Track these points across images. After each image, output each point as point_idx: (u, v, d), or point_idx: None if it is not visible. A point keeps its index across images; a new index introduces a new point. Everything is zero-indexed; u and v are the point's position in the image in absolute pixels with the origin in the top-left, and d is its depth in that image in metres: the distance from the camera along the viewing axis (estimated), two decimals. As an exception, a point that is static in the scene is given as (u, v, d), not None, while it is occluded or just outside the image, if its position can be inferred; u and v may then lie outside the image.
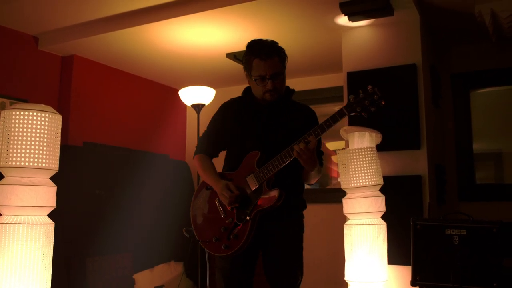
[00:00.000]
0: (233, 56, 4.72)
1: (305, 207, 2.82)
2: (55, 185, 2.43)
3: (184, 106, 6.13)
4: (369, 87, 2.49)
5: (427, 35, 4.17)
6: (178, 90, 6.00)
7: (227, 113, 2.82)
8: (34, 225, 2.27)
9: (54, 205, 2.41)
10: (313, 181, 2.81)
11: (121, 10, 4.03)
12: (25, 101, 4.33)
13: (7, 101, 4.21)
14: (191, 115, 6.09)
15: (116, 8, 3.99)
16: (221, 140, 2.82)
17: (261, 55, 2.60)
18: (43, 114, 2.41)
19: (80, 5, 3.91)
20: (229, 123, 2.78)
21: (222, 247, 2.60)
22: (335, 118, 2.50)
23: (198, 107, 4.60)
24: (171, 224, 5.05)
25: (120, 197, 4.57)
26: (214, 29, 4.20)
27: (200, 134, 4.79)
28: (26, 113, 2.38)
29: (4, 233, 2.23)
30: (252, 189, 2.60)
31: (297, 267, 2.71)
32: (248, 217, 2.56)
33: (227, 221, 2.63)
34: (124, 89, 5.32)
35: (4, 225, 2.24)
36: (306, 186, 2.88)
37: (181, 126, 6.12)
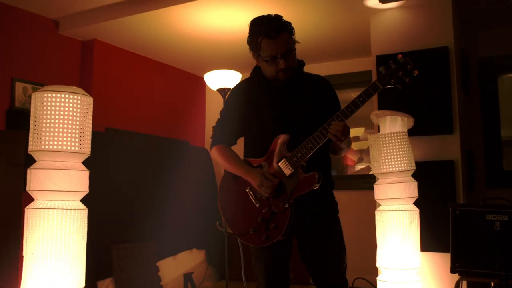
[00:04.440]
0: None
1: (334, 185, 2.68)
2: (87, 170, 2.36)
3: (204, 91, 6.06)
4: (400, 56, 2.34)
5: (456, 18, 4.05)
6: (198, 76, 5.95)
7: (240, 98, 2.64)
8: (68, 210, 2.22)
9: (87, 190, 2.35)
10: (343, 154, 2.69)
11: (142, -7, 3.96)
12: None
13: (28, 86, 4.15)
14: (212, 100, 6.01)
15: (138, -10, 3.92)
16: (238, 126, 2.63)
17: (269, 34, 2.39)
18: (75, 96, 2.35)
19: (102, -12, 3.84)
20: (244, 108, 2.60)
21: (262, 238, 2.46)
22: (368, 93, 2.35)
23: (224, 92, 4.51)
24: (192, 211, 5.00)
25: (142, 184, 4.51)
26: (238, 11, 4.11)
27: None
28: (58, 95, 2.32)
29: (38, 218, 2.17)
30: (287, 175, 2.47)
31: (341, 249, 2.55)
32: (286, 205, 2.45)
33: (263, 211, 2.48)
34: (145, 74, 5.25)
35: (38, 210, 2.18)
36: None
37: (201, 112, 6.04)
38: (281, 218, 2.44)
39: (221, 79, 4.54)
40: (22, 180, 1.56)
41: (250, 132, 2.64)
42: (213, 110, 5.98)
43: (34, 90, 4.14)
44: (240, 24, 4.35)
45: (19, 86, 4.08)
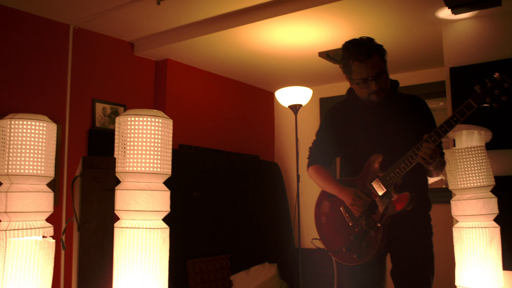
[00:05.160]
0: (325, 54, 4.64)
1: (430, 207, 2.66)
2: (168, 190, 2.45)
3: (273, 106, 6.12)
4: (496, 74, 2.30)
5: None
6: (267, 91, 6.02)
7: (335, 119, 2.71)
8: (152, 230, 2.30)
9: (169, 209, 2.44)
10: (434, 177, 2.67)
11: (213, 14, 4.07)
12: (123, 106, 4.46)
13: (107, 106, 4.35)
14: (281, 115, 6.07)
15: (208, 12, 4.03)
16: (333, 147, 2.71)
17: (359, 57, 2.46)
18: (156, 119, 2.44)
19: (173, 11, 3.97)
20: (340, 129, 2.67)
21: (354, 256, 2.50)
22: (462, 112, 2.34)
23: (295, 108, 4.56)
24: (264, 225, 5.05)
25: (215, 199, 4.61)
26: (306, 28, 4.15)
27: (299, 136, 4.80)
28: (140, 118, 2.42)
29: (124, 237, 2.27)
30: (380, 194, 2.48)
31: (429, 271, 2.55)
32: (378, 224, 2.46)
33: (356, 229, 2.52)
34: (216, 91, 5.38)
35: (123, 229, 2.28)
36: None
37: (270, 126, 6.11)
38: (373, 237, 2.46)
39: (293, 95, 4.59)
40: (114, 203, 1.66)
41: (345, 152, 2.71)
42: (283, 124, 6.03)
43: (113, 110, 4.35)
44: (308, 40, 4.38)
45: (99, 107, 4.28)
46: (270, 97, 6.09)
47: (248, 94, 5.81)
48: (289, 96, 4.60)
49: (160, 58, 4.90)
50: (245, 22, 4.06)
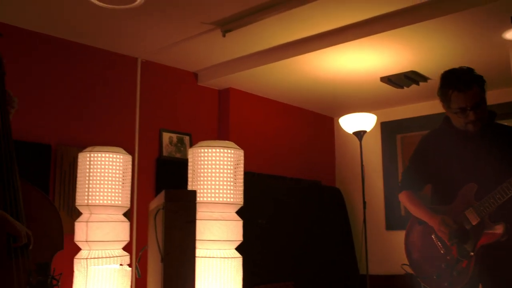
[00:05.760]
0: (387, 79, 4.63)
1: None
2: (241, 219, 2.50)
3: (333, 131, 6.13)
4: None
5: None
6: (328, 116, 6.05)
7: (429, 146, 2.72)
8: (226, 259, 2.35)
9: (241, 238, 2.49)
10: None
11: (276, 43, 4.14)
12: (188, 135, 4.59)
13: (174, 135, 4.48)
14: (342, 139, 6.06)
15: (272, 41, 4.11)
16: (426, 174, 2.71)
17: (459, 87, 2.46)
18: (228, 150, 2.51)
19: (238, 42, 4.07)
20: (434, 156, 2.67)
21: (446, 284, 2.48)
22: None
23: (359, 134, 4.57)
24: (327, 251, 5.02)
25: (278, 225, 4.63)
26: (368, 54, 4.15)
27: (365, 162, 4.79)
28: (213, 150, 2.50)
29: (199, 267, 2.33)
30: (473, 224, 2.46)
31: None
32: (471, 253, 2.43)
33: (448, 257, 2.51)
34: (277, 117, 5.44)
35: (199, 259, 2.34)
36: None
37: (331, 151, 6.10)
38: (465, 266, 2.44)
39: (357, 122, 4.61)
40: (195, 235, 1.72)
41: (437, 180, 2.71)
42: (344, 149, 6.01)
43: (179, 139, 4.48)
44: (369, 66, 4.38)
45: (165, 136, 4.42)
46: (330, 122, 6.10)
47: (308, 119, 5.85)
48: (353, 122, 4.62)
49: (222, 87, 5.01)
50: (308, 51, 4.10)
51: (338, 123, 6.02)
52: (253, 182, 4.77)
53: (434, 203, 2.68)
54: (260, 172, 5.00)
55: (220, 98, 5.05)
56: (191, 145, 4.57)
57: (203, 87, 4.92)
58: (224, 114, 4.97)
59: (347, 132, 5.01)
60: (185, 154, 4.53)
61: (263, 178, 4.96)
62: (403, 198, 2.76)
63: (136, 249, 4.08)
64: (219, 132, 4.93)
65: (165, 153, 4.38)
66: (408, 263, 2.70)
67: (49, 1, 3.38)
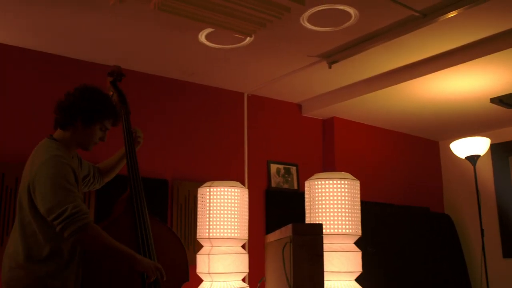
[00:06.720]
0: (498, 100, 4.46)
1: None
2: (360, 250, 2.50)
3: (439, 155, 5.95)
4: None
5: None
6: (432, 141, 5.89)
7: None
8: (348, 291, 2.35)
9: (361, 269, 2.49)
10: None
11: (382, 70, 4.13)
12: (295, 165, 4.66)
13: (281, 166, 4.57)
14: (449, 165, 5.87)
15: (376, 69, 4.11)
16: None
17: None
18: (344, 182, 2.54)
19: (342, 72, 4.11)
20: None
21: None
22: None
23: (473, 159, 4.42)
24: (438, 281, 4.84)
25: (388, 253, 4.55)
26: (478, 75, 4.03)
27: (480, 187, 4.61)
28: (329, 181, 2.54)
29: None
30: None
31: None
32: None
33: None
34: (380, 144, 5.38)
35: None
36: None
37: (438, 176, 5.92)
38: None
39: (469, 146, 4.47)
40: (323, 267, 1.75)
41: None
42: (452, 174, 5.80)
43: (286, 170, 4.56)
44: (479, 86, 4.24)
45: (273, 167, 4.52)
46: (435, 147, 5.93)
47: (412, 144, 5.72)
48: (466, 146, 4.48)
49: (326, 117, 5.05)
50: (414, 77, 4.04)
51: (443, 147, 5.86)
52: (362, 210, 4.73)
53: None
54: (368, 200, 4.95)
55: (324, 127, 5.09)
56: (298, 176, 4.63)
57: (307, 117, 4.99)
58: (329, 143, 4.99)
59: (454, 156, 4.86)
60: (293, 184, 4.60)
61: (371, 206, 4.91)
62: None
63: (249, 280, 4.17)
64: (324, 161, 4.95)
65: (273, 184, 4.47)
66: None
67: (164, 46, 3.62)
